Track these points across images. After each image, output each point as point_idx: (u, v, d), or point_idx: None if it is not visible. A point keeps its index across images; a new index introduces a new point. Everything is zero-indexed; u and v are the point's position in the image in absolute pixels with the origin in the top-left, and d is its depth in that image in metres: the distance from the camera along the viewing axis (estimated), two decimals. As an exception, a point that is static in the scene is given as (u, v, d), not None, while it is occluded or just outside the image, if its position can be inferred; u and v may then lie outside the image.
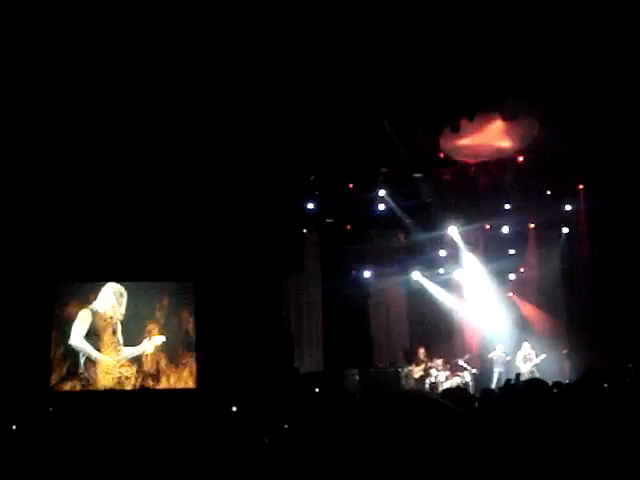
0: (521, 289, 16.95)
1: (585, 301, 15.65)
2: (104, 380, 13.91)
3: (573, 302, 15.98)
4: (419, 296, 16.81)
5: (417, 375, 14.87)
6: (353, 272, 16.04)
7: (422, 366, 14.94)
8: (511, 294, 17.09)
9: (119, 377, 13.97)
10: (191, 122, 12.08)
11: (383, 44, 10.18)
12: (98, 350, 13.96)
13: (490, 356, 15.55)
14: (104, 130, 12.07)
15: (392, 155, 13.82)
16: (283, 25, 9.73)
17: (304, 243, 15.38)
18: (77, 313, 14.04)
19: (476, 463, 1.31)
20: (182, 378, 14.18)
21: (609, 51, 10.45)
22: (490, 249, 16.38)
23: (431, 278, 16.74)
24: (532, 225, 16.37)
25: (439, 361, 14.95)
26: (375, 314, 16.78)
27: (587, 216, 15.59)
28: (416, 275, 16.62)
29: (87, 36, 9.80)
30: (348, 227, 15.81)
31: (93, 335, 14.00)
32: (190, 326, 14.37)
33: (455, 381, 14.44)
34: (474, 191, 15.06)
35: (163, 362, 14.17)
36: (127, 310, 14.21)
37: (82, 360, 13.89)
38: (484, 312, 16.51)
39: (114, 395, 13.65)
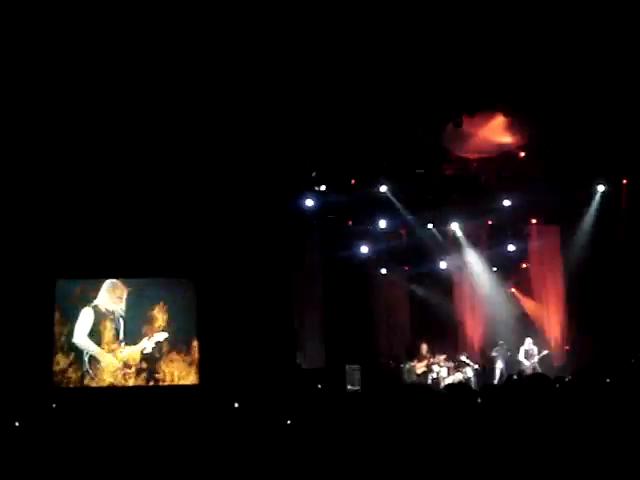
0: (523, 285, 16.94)
1: (587, 296, 15.63)
2: (107, 377, 13.94)
3: (575, 297, 15.97)
4: (422, 292, 16.82)
5: (419, 371, 14.88)
6: (355, 268, 16.02)
7: (424, 362, 14.96)
8: (513, 290, 17.09)
9: (122, 374, 13.99)
10: (192, 119, 12.07)
11: (386, 39, 10.16)
12: (101, 347, 13.99)
13: (492, 354, 15.55)
14: (103, 127, 12.06)
15: (394, 151, 13.80)
16: (285, 19, 9.71)
17: (305, 239, 15.38)
18: (79, 310, 14.06)
19: (479, 455, 1.31)
20: (185, 374, 14.19)
21: (613, 46, 10.42)
22: (492, 245, 16.37)
23: (433, 274, 16.73)
24: (534, 221, 16.35)
25: (441, 357, 14.96)
26: (377, 310, 16.78)
27: (589, 212, 15.56)
28: (419, 270, 16.63)
29: (87, 36, 9.80)
30: (350, 223, 15.80)
31: (96, 332, 14.04)
32: (192, 323, 14.37)
33: (457, 377, 14.47)
34: (476, 187, 15.03)
35: (165, 359, 14.18)
36: (129, 307, 14.23)
37: (86, 357, 13.93)
38: (486, 308, 16.52)
39: (117, 392, 13.69)
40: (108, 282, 14.26)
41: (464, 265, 16.76)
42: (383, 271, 16.58)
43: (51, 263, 13.61)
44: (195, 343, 14.28)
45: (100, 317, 14.10)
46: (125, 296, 14.26)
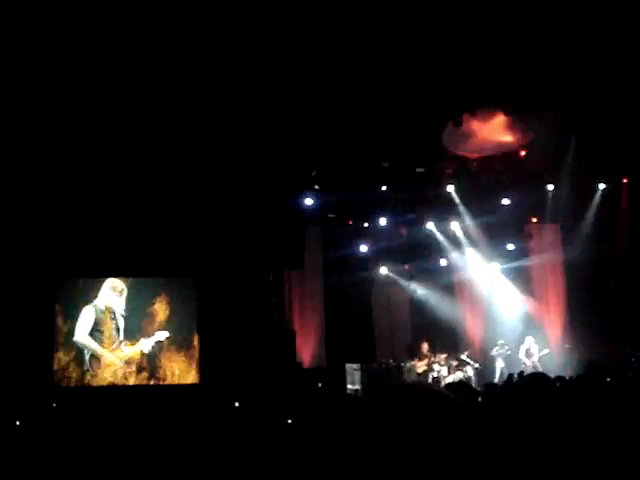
0: (524, 283, 16.92)
1: (588, 295, 15.63)
2: (108, 375, 13.95)
3: (575, 296, 15.96)
4: (422, 291, 16.80)
5: (420, 370, 14.87)
6: (355, 267, 16.01)
7: (425, 361, 14.95)
8: (514, 288, 17.07)
9: (123, 373, 14.01)
10: (192, 119, 12.06)
11: (385, 39, 10.15)
12: (101, 346, 14.01)
13: (492, 353, 15.54)
14: (104, 126, 12.05)
15: (394, 150, 13.80)
16: (284, 19, 9.70)
17: (305, 238, 15.38)
18: (80, 309, 14.08)
19: (480, 453, 1.31)
20: (185, 374, 14.21)
21: (613, 45, 10.41)
22: (492, 244, 16.35)
23: (433, 272, 16.72)
24: (534, 219, 16.34)
25: (442, 356, 14.95)
26: (378, 309, 16.77)
27: (589, 211, 15.56)
28: (419, 269, 16.62)
29: (87, 36, 9.79)
30: (350, 222, 15.80)
31: (96, 331, 14.05)
32: (192, 322, 14.39)
33: (458, 376, 14.45)
34: (476, 185, 15.02)
35: (166, 358, 14.20)
36: (130, 305, 14.25)
37: (87, 356, 13.95)
38: (487, 307, 16.51)
39: (117, 390, 13.71)
40: (109, 281, 14.28)
41: (464, 264, 16.75)
42: (383, 270, 16.56)
43: (52, 262, 13.62)
44: (196, 342, 14.30)
45: (101, 316, 14.12)
46: (126, 295, 14.27)
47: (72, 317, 14.06)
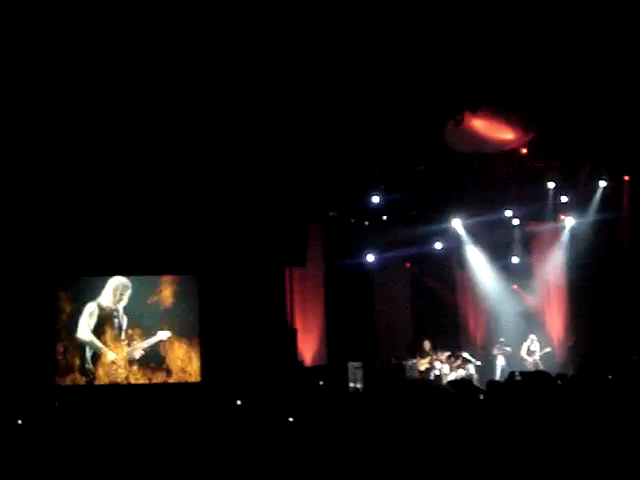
0: (525, 281, 16.93)
1: (589, 293, 15.63)
2: (110, 374, 13.97)
3: (577, 294, 15.97)
4: (423, 289, 16.81)
5: (422, 368, 14.88)
6: (357, 265, 16.02)
7: (427, 359, 14.96)
8: (515, 286, 17.08)
9: (125, 371, 14.02)
10: (192, 119, 12.06)
11: (387, 38, 10.14)
12: (104, 344, 14.03)
13: (494, 351, 15.56)
14: (106, 126, 12.05)
15: (395, 148, 13.78)
16: (285, 18, 9.69)
17: (307, 236, 15.38)
18: (83, 307, 14.09)
19: (483, 450, 1.31)
20: (187, 372, 14.22)
21: (614, 43, 10.40)
22: (494, 242, 16.36)
23: (435, 271, 16.73)
24: (535, 218, 16.34)
25: (444, 354, 14.96)
26: (379, 307, 16.78)
27: (591, 208, 15.55)
28: (421, 267, 16.63)
29: (87, 36, 9.79)
30: (352, 220, 15.80)
31: (99, 329, 14.07)
32: (194, 320, 14.39)
33: (459, 373, 14.47)
34: (478, 184, 15.02)
35: (168, 356, 14.21)
36: (132, 304, 14.26)
37: (89, 354, 13.96)
38: (488, 305, 16.52)
39: (119, 389, 13.72)
40: (112, 279, 14.29)
41: (466, 262, 16.76)
42: (385, 268, 16.56)
43: (55, 259, 13.63)
44: (197, 341, 14.31)
45: (104, 314, 14.13)
46: (129, 293, 14.29)
47: (75, 315, 14.07)
